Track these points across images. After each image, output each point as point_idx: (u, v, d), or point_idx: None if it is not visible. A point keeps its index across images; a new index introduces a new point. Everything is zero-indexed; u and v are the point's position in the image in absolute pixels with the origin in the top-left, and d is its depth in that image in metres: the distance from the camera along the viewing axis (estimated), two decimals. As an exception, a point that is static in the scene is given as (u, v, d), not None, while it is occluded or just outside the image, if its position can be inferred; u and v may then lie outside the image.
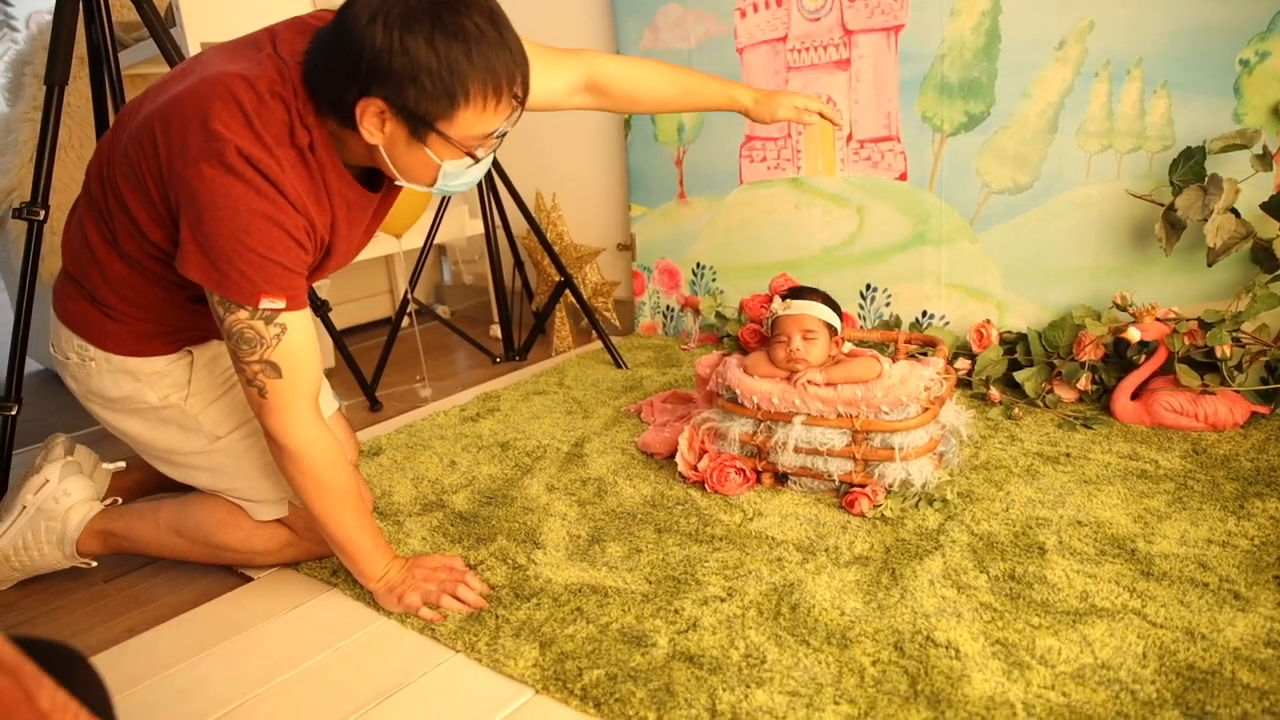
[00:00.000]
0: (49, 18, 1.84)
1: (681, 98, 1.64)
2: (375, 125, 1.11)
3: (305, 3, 2.24)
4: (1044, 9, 1.87)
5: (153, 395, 1.34)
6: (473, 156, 1.17)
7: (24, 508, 1.43)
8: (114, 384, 1.33)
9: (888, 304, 2.24)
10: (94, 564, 1.48)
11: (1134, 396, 1.79)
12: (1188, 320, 1.75)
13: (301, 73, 1.14)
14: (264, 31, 1.21)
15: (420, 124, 1.11)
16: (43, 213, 1.81)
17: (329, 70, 1.11)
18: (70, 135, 2.50)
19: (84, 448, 1.55)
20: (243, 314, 1.14)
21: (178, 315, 1.30)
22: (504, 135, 1.19)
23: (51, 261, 2.36)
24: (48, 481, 1.44)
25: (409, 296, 2.40)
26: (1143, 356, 1.79)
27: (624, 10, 2.53)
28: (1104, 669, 1.06)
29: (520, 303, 2.87)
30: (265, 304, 1.13)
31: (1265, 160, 1.66)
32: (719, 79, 1.67)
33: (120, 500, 1.51)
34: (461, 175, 1.20)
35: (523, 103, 1.16)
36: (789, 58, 2.25)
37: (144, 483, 1.63)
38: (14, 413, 1.77)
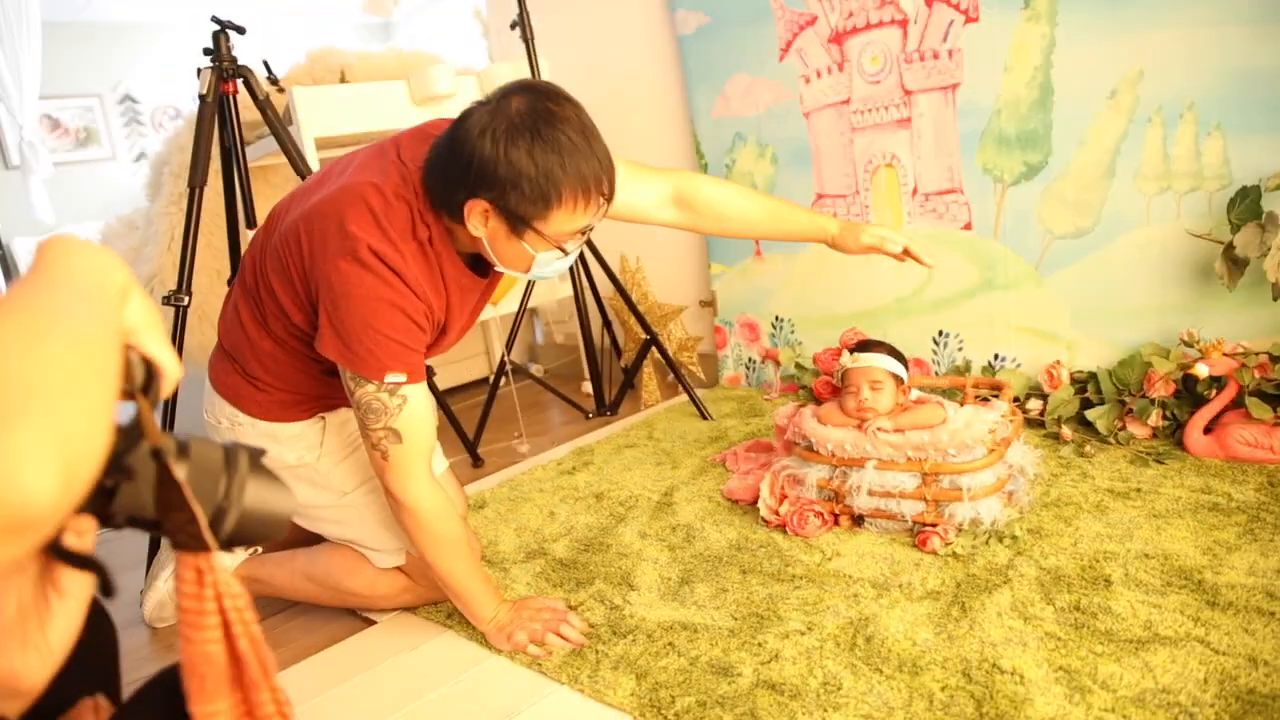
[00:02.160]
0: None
1: (768, 221, 1.71)
2: (480, 221, 1.29)
3: (405, 102, 2.48)
4: (1094, 61, 1.96)
5: (290, 456, 1.53)
6: (562, 250, 1.33)
7: (182, 558, 1.63)
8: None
9: (960, 349, 2.32)
10: (241, 608, 1.66)
11: (1207, 430, 1.83)
12: (1257, 354, 1.79)
13: (421, 176, 1.33)
14: (390, 141, 1.42)
15: (519, 222, 1.28)
16: (186, 299, 2.06)
17: (444, 174, 1.30)
18: (200, 226, 2.78)
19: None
20: (370, 387, 1.31)
21: (314, 386, 1.49)
22: (590, 229, 1.35)
23: (187, 339, 2.62)
24: (201, 535, 1.64)
25: (505, 358, 2.58)
26: (1213, 391, 1.83)
27: (696, 81, 2.70)
28: (1164, 693, 1.13)
29: (610, 360, 3.03)
30: (390, 378, 1.31)
31: (1319, 197, 1.71)
32: (805, 209, 1.74)
33: (260, 550, 1.70)
34: (552, 264, 1.37)
35: (610, 200, 1.32)
36: (853, 119, 2.38)
37: (278, 540, 1.82)
38: (165, 479, 2.00)
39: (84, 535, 0.54)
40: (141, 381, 0.57)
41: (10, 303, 0.48)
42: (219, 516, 0.57)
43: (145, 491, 0.54)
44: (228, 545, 0.58)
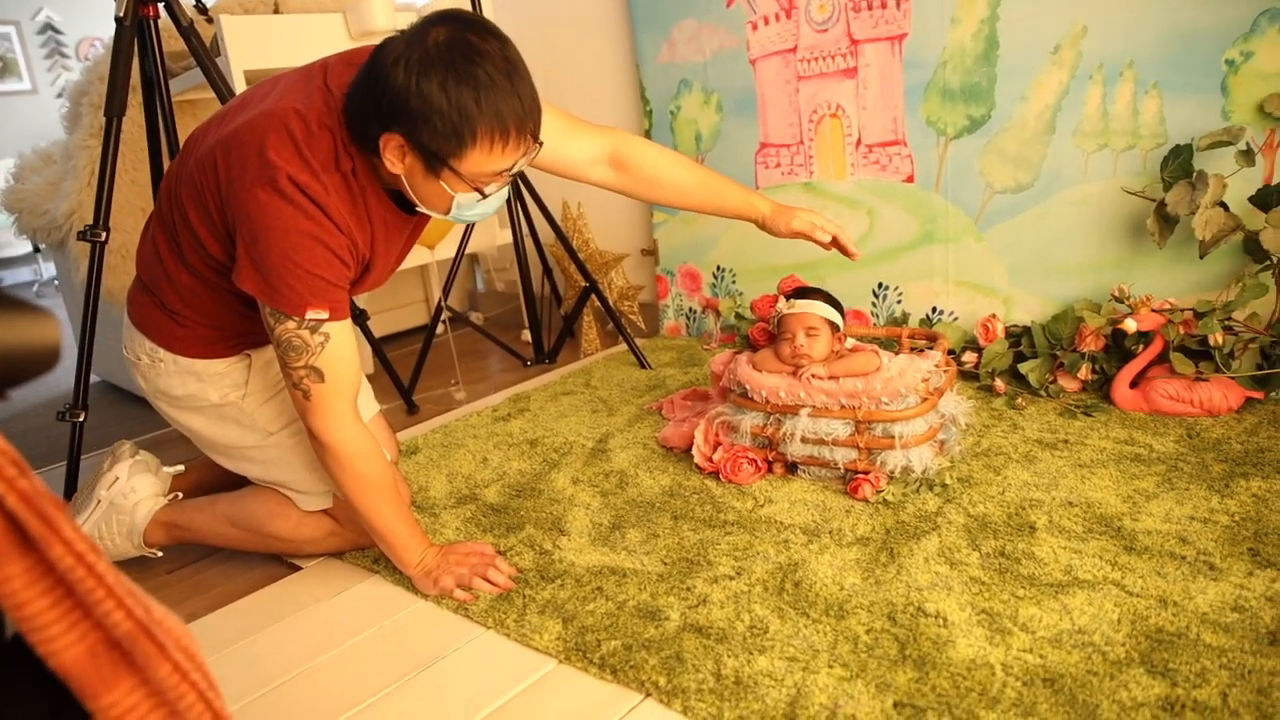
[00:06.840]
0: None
1: (700, 191, 1.68)
2: (396, 157, 1.23)
3: (341, 36, 2.38)
4: (1040, 15, 1.96)
5: (214, 394, 1.48)
6: (481, 193, 1.28)
7: (98, 502, 1.57)
8: (180, 383, 1.47)
9: (899, 301, 2.33)
10: (160, 554, 1.62)
11: (1133, 385, 1.86)
12: (1183, 310, 1.83)
13: (343, 105, 1.27)
14: (318, 63, 1.34)
15: (434, 159, 1.22)
16: (104, 234, 1.97)
17: (361, 105, 1.23)
18: (122, 160, 2.65)
19: (146, 451, 1.69)
20: (291, 324, 1.26)
21: (235, 321, 1.44)
22: (516, 173, 1.30)
23: (109, 279, 2.52)
24: (118, 479, 1.59)
25: (443, 304, 2.53)
26: (1140, 346, 1.86)
27: (642, 27, 2.65)
28: (1080, 634, 1.15)
29: (550, 308, 2.99)
30: (311, 315, 1.26)
31: (1249, 156, 1.73)
32: (740, 186, 1.72)
33: (182, 495, 1.65)
34: (474, 208, 1.32)
35: (535, 143, 1.27)
36: (799, 67, 2.35)
37: (200, 484, 1.77)
38: (81, 419, 1.93)
39: None
40: None
41: None
42: None
43: None
44: None
